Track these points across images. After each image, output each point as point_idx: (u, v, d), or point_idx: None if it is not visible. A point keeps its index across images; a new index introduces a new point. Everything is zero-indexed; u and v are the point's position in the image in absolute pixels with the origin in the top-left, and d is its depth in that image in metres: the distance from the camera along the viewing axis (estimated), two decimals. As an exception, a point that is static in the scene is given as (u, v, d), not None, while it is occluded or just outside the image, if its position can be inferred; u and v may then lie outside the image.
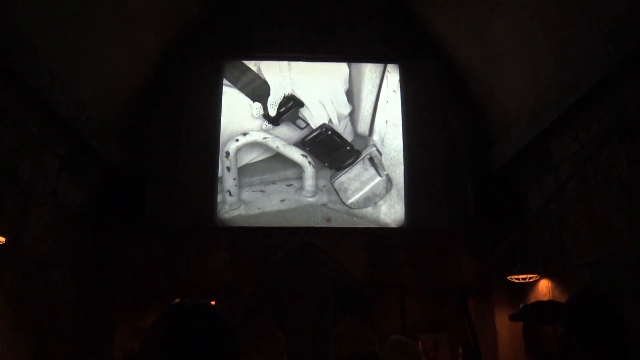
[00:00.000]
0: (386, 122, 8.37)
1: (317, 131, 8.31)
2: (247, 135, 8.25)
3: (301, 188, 8.11)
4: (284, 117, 8.35)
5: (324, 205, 8.06)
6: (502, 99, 7.53)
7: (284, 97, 8.42)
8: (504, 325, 7.43)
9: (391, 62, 8.61)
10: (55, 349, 6.40)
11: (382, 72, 8.59)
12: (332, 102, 8.44)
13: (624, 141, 5.02)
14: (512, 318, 2.95)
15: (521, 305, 2.86)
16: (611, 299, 2.10)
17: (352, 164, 8.20)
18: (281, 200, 8.06)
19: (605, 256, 5.43)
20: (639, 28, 4.50)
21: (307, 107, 8.40)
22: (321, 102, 8.42)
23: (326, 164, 8.20)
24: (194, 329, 1.24)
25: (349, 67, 8.61)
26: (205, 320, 1.27)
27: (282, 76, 8.50)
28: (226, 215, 7.97)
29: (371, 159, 8.23)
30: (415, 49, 8.59)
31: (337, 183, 8.12)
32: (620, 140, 5.06)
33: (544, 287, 6.82)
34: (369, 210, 8.07)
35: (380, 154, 8.26)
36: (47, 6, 5.35)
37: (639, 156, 4.88)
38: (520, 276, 6.93)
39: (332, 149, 8.26)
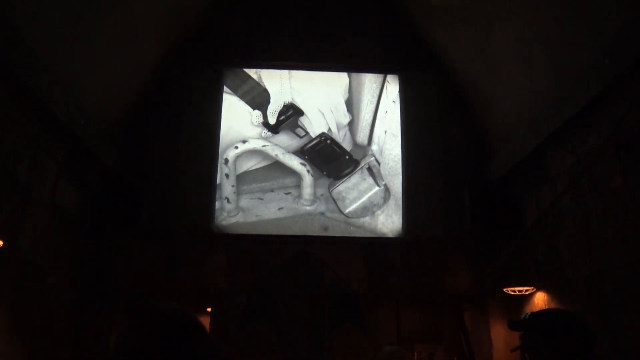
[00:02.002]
0: (385, 132, 8.40)
1: (316, 140, 8.34)
2: (246, 143, 8.27)
3: (299, 196, 8.13)
4: (283, 125, 8.38)
5: (322, 214, 8.07)
6: (500, 111, 7.56)
7: (283, 105, 8.46)
8: (500, 336, 7.44)
9: (391, 72, 8.65)
10: (50, 352, 6.40)
11: (381, 82, 8.62)
12: (331, 111, 8.47)
13: (619, 155, 5.05)
14: (511, 325, 2.93)
15: (525, 315, 2.86)
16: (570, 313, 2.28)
17: (350, 173, 8.22)
18: (279, 208, 8.07)
19: (600, 269, 5.44)
20: (636, 43, 4.54)
21: (306, 116, 8.43)
22: (321, 111, 8.45)
23: (325, 173, 8.22)
24: (156, 332, 1.25)
25: (349, 76, 8.65)
26: (169, 324, 1.28)
27: (282, 85, 8.54)
28: (224, 222, 7.98)
29: (369, 169, 8.25)
30: (415, 60, 8.64)
31: (335, 192, 8.14)
32: (616, 154, 5.08)
33: (539, 300, 6.82)
34: (366, 220, 8.08)
35: (379, 163, 8.28)
36: (48, 11, 5.38)
37: (634, 170, 4.90)
38: (516, 288, 6.93)
39: (331, 158, 8.28)
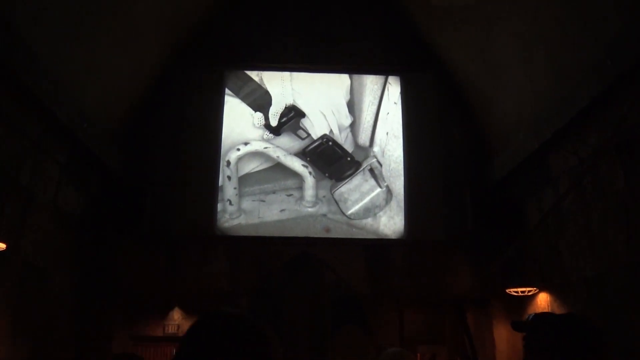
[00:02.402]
0: (387, 133, 8.40)
1: (318, 142, 8.34)
2: (248, 145, 8.28)
3: (301, 198, 8.13)
4: (285, 127, 8.38)
5: (324, 215, 8.07)
6: (501, 112, 7.55)
7: (285, 107, 8.46)
8: (503, 337, 7.42)
9: (392, 74, 8.65)
10: (51, 354, 6.41)
11: (383, 84, 8.62)
12: (333, 113, 8.47)
13: (621, 156, 5.04)
14: (515, 325, 2.91)
15: (529, 316, 2.86)
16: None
17: (352, 174, 8.22)
18: (281, 210, 8.08)
19: (602, 270, 5.43)
20: (636, 43, 4.53)
21: (308, 118, 8.44)
22: (322, 113, 8.46)
23: (326, 175, 8.22)
24: (225, 339, 1.26)
25: (351, 78, 8.66)
26: (236, 331, 1.29)
27: (283, 87, 8.55)
28: (226, 224, 7.98)
29: (371, 170, 8.25)
30: (415, 61, 8.63)
31: (337, 194, 8.14)
32: (618, 155, 5.07)
33: (542, 301, 6.81)
34: (368, 221, 8.07)
35: (381, 165, 8.28)
36: (51, 15, 5.41)
37: (636, 171, 4.89)
38: (519, 289, 6.92)
39: (333, 160, 8.28)
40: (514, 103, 7.12)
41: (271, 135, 8.35)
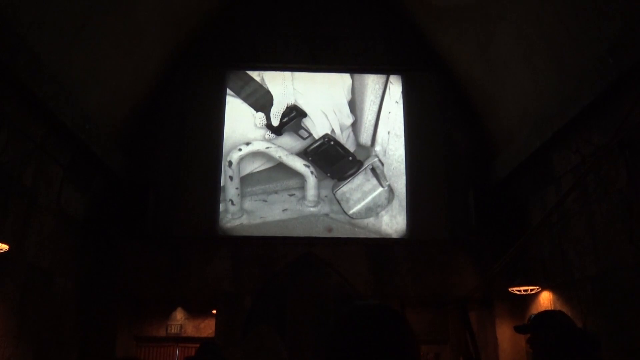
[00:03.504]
0: (388, 132, 8.40)
1: (319, 141, 8.34)
2: (249, 145, 8.29)
3: (303, 198, 8.13)
4: (286, 127, 8.38)
5: (326, 215, 8.07)
6: (503, 111, 7.55)
7: (287, 107, 8.47)
8: (506, 336, 7.42)
9: (394, 73, 8.65)
10: (56, 355, 6.43)
11: (384, 83, 8.62)
12: (334, 112, 8.48)
13: (624, 154, 5.03)
14: (518, 330, 2.93)
15: (530, 317, 2.87)
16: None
17: (354, 174, 8.22)
18: (283, 210, 8.08)
19: (606, 269, 5.42)
20: (639, 41, 4.52)
21: (309, 117, 8.44)
22: (324, 113, 8.46)
23: (328, 174, 8.22)
24: (374, 329, 1.26)
25: (352, 77, 8.66)
26: (384, 322, 1.29)
27: (285, 86, 8.55)
28: (228, 225, 7.99)
29: (373, 170, 8.25)
30: (417, 61, 8.64)
31: (339, 193, 8.14)
32: (621, 154, 5.07)
33: (545, 299, 6.81)
34: (370, 221, 8.08)
35: (382, 164, 8.28)
36: (53, 17, 5.40)
37: (639, 169, 4.88)
38: (522, 288, 6.92)
39: (335, 159, 8.28)
40: (516, 102, 7.12)
41: (273, 135, 8.36)
